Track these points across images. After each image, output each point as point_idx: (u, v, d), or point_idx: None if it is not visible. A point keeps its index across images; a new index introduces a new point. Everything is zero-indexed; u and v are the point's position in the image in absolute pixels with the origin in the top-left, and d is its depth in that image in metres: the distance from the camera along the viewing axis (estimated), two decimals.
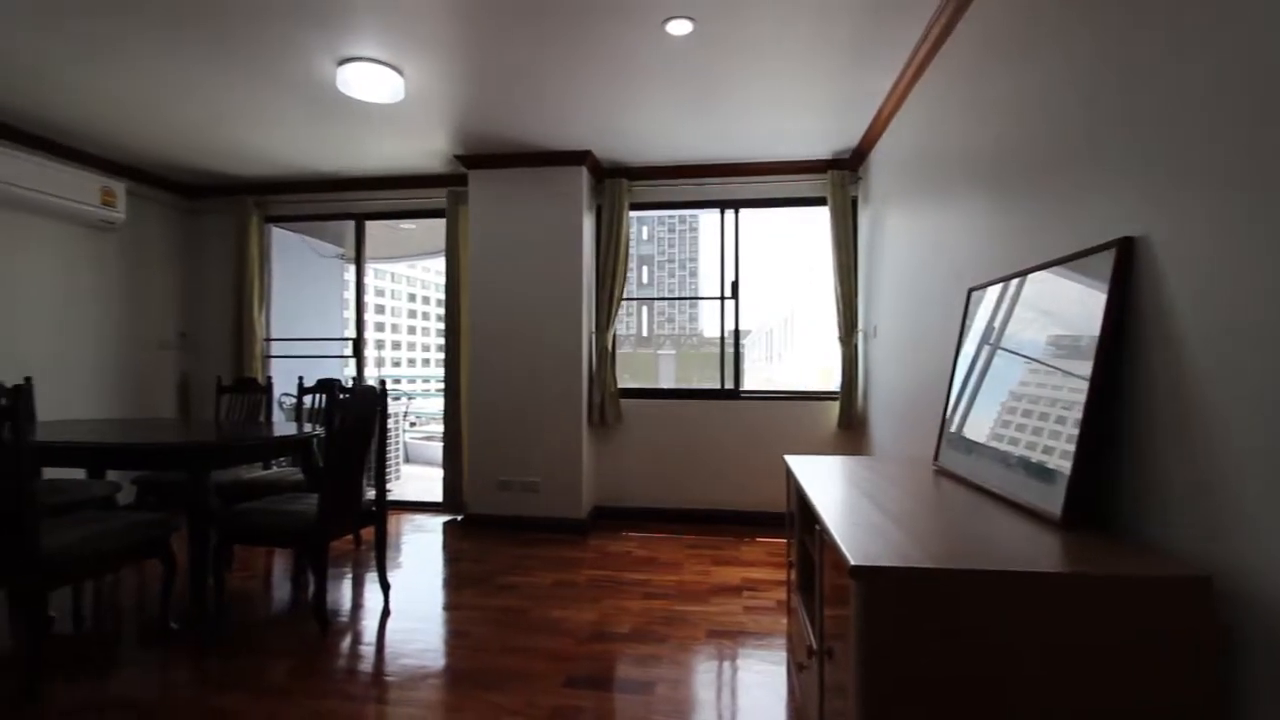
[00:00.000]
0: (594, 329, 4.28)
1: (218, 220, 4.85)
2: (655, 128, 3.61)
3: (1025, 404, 1.49)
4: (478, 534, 4.00)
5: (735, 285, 4.35)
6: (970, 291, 2.03)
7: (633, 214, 4.33)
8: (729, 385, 4.35)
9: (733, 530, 4.05)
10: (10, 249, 3.69)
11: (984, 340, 1.83)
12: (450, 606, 2.84)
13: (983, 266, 2.08)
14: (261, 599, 2.94)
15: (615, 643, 2.45)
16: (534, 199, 4.10)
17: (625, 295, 4.30)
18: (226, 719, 1.92)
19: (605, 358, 4.22)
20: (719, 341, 4.39)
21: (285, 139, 3.82)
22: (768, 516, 4.13)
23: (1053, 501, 1.26)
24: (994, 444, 1.59)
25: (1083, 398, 1.24)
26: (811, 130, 3.64)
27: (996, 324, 1.77)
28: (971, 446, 1.72)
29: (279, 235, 5.05)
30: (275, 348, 4.94)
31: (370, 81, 2.90)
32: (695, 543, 3.80)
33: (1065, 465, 1.25)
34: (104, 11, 2.45)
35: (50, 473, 3.08)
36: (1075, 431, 1.25)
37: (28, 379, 3.08)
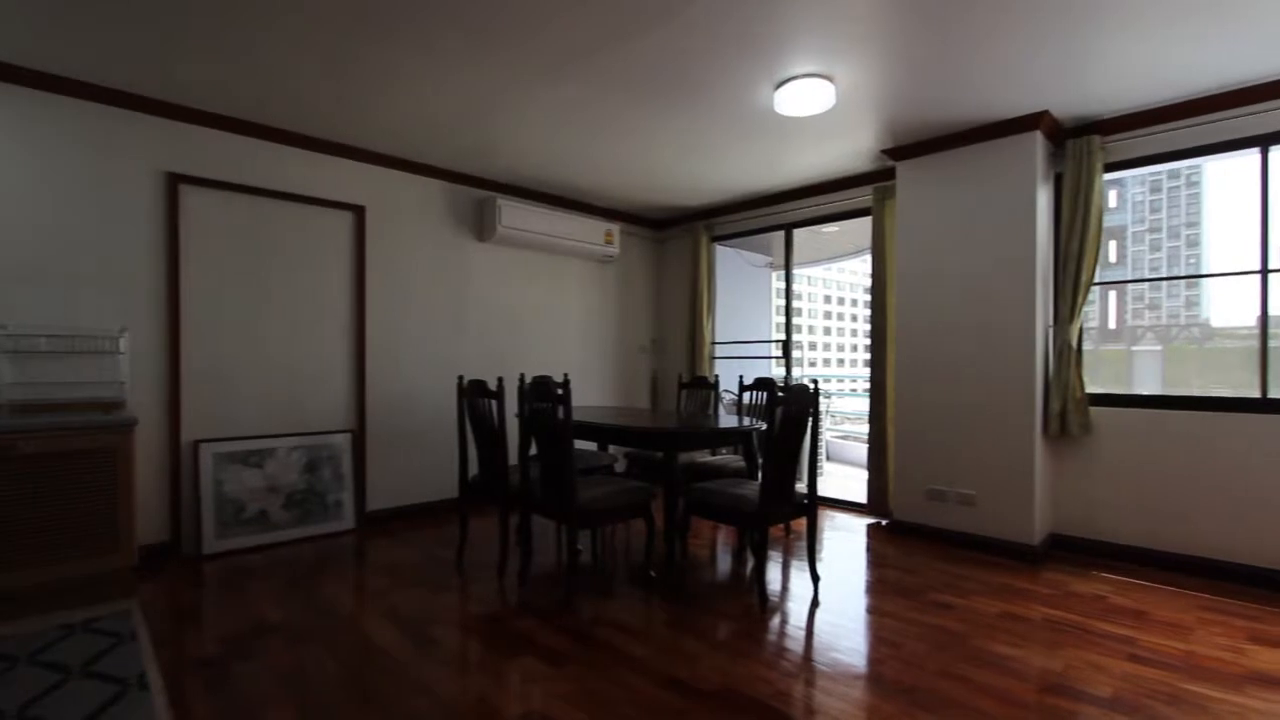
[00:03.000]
0: (1051, 322, 3.61)
1: (676, 245, 5.87)
2: (1140, 58, 2.83)
3: None
4: (904, 542, 3.82)
5: None
6: None
7: (1106, 176, 3.49)
8: (1274, 394, 3.10)
9: (1277, 598, 2.88)
10: (555, 282, 5.22)
11: None
12: (877, 611, 2.78)
13: None
14: (708, 566, 3.42)
15: (1087, 705, 2.01)
16: (972, 180, 3.70)
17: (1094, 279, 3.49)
18: (688, 660, 2.29)
19: (1068, 356, 3.51)
20: (1255, 333, 3.16)
21: (728, 167, 4.36)
22: None
23: None
24: None
25: None
26: None
27: None
28: None
29: (720, 251, 5.79)
30: (718, 349, 5.69)
31: (804, 97, 3.07)
32: (1210, 604, 2.83)
33: None
34: (597, 101, 3.23)
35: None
36: None
37: (565, 375, 4.27)
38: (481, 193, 4.68)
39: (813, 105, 3.14)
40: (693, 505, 3.01)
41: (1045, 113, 3.37)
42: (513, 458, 3.77)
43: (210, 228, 3.51)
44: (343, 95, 3.25)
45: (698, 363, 5.46)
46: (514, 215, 4.59)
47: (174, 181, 3.37)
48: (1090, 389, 3.56)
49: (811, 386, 2.85)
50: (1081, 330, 3.56)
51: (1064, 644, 2.45)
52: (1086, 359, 3.60)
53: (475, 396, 3.20)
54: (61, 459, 2.65)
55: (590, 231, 5.10)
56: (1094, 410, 3.52)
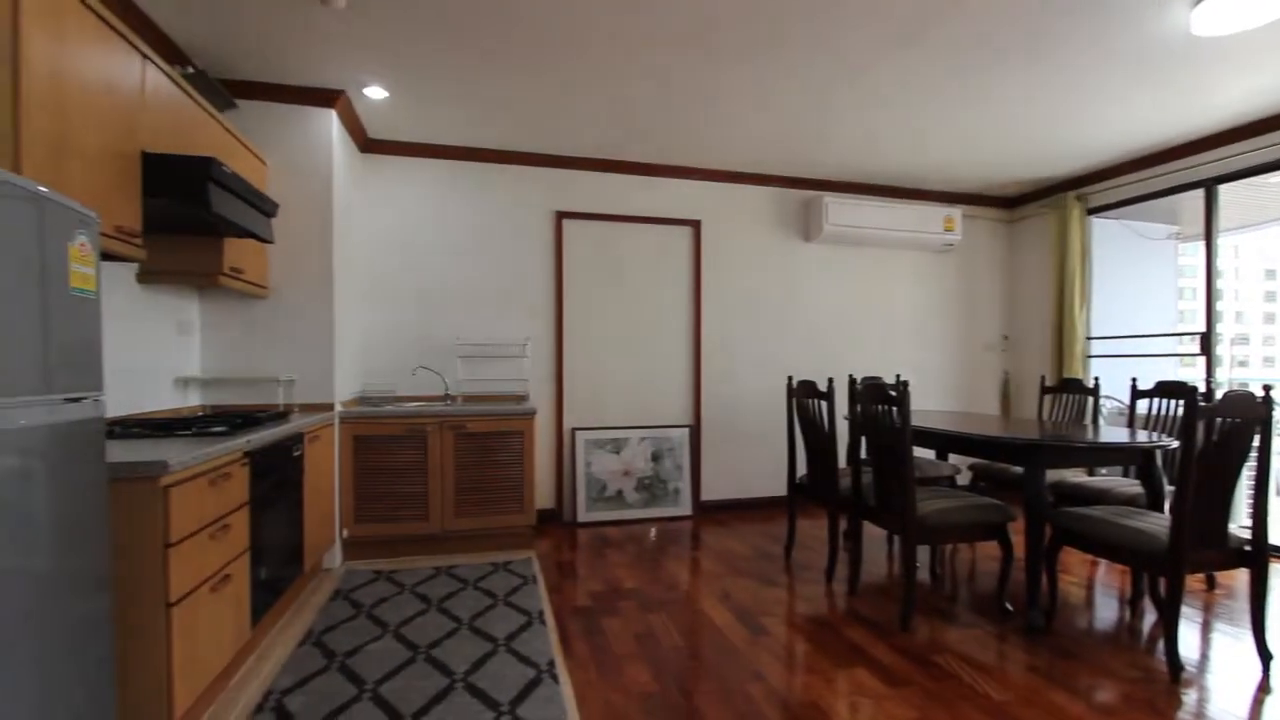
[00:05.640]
0: None
1: (1035, 224, 4.99)
2: None
3: None
4: None
5: None
6: None
7: None
8: None
9: None
10: (886, 277, 4.92)
11: None
12: None
13: None
14: (1083, 609, 2.81)
15: None
16: None
17: None
18: (1061, 719, 1.92)
19: None
20: None
21: (1111, 119, 3.53)
22: None
23: None
24: None
25: None
26: None
27: None
28: None
29: (1096, 225, 4.72)
30: (1093, 346, 4.65)
31: (1240, 5, 2.31)
32: None
33: None
34: (943, 68, 2.91)
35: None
36: None
37: (899, 376, 3.99)
38: (807, 193, 4.68)
39: (1257, 14, 2.33)
40: (1067, 534, 2.51)
41: None
42: (841, 461, 3.68)
43: (580, 253, 4.25)
44: (677, 124, 3.59)
45: (1066, 362, 4.54)
46: (841, 212, 4.47)
47: (559, 218, 4.18)
48: None
49: (1260, 394, 2.12)
50: None
51: None
52: None
53: (804, 397, 3.22)
54: (492, 437, 3.50)
55: (926, 220, 4.66)
56: None
